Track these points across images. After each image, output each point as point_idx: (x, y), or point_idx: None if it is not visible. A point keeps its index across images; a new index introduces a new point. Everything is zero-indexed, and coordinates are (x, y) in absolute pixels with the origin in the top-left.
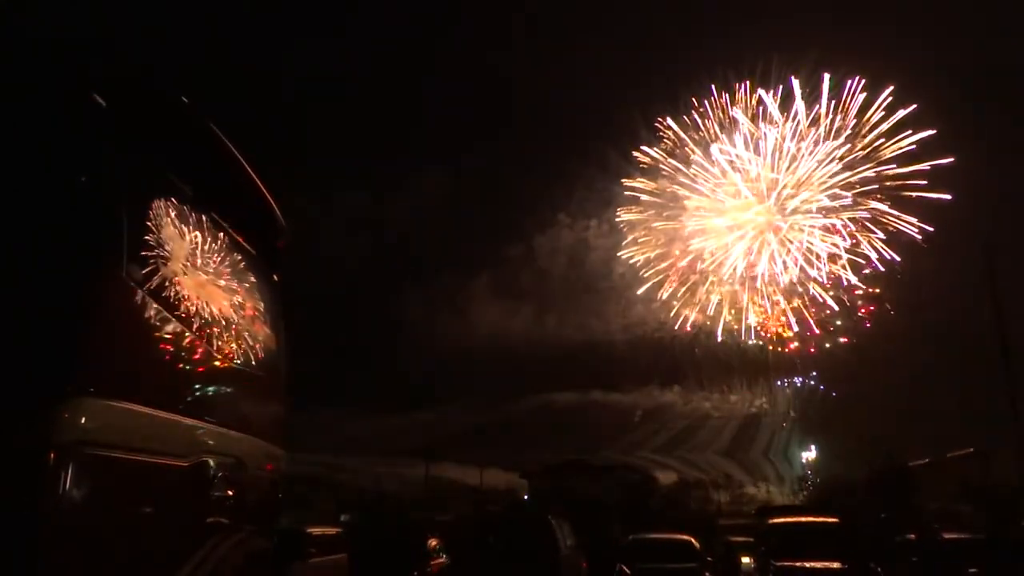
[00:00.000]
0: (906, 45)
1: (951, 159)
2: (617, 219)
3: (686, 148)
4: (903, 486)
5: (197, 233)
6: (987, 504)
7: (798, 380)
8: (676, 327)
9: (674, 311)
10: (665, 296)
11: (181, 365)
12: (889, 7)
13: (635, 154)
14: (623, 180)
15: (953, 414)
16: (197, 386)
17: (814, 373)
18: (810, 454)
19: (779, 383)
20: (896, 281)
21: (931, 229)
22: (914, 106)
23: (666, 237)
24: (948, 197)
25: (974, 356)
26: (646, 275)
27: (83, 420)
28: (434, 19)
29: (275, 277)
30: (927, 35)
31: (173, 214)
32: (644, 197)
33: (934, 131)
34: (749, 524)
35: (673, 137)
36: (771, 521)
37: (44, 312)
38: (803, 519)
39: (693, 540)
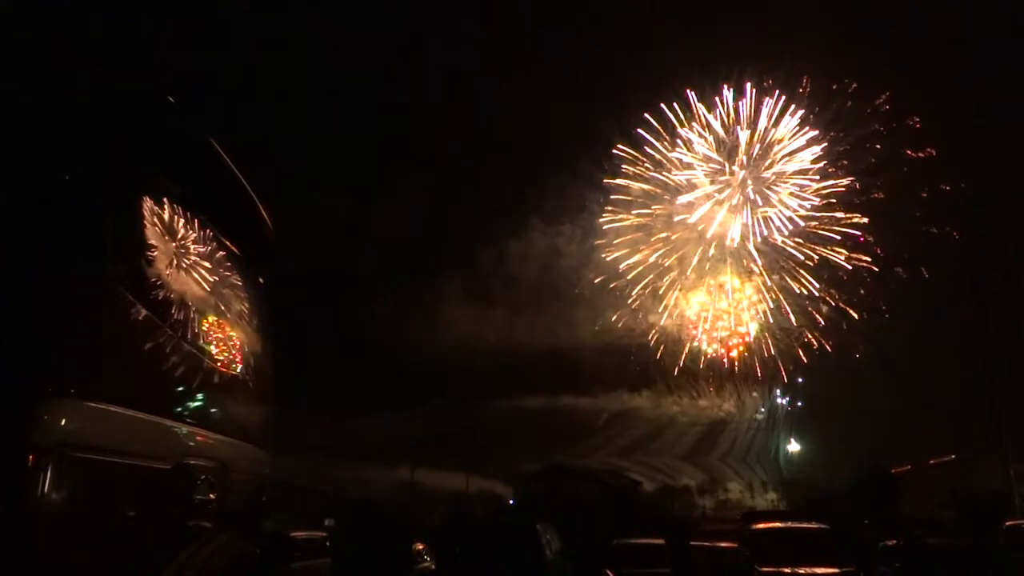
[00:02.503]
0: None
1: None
2: (592, 224)
3: (655, 154)
4: (886, 492)
5: (183, 235)
6: (969, 510)
7: (780, 394)
8: (643, 333)
9: (641, 316)
10: (634, 303)
11: (164, 367)
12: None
13: (613, 156)
14: (602, 180)
15: (937, 420)
16: (181, 389)
17: (792, 388)
18: (793, 460)
19: (755, 393)
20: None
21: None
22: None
23: (633, 242)
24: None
25: (956, 362)
26: (615, 282)
27: (64, 422)
28: (412, 25)
29: (260, 280)
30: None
31: (159, 215)
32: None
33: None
34: (734, 529)
35: (643, 143)
36: (755, 526)
37: (25, 312)
38: (788, 525)
39: (664, 543)
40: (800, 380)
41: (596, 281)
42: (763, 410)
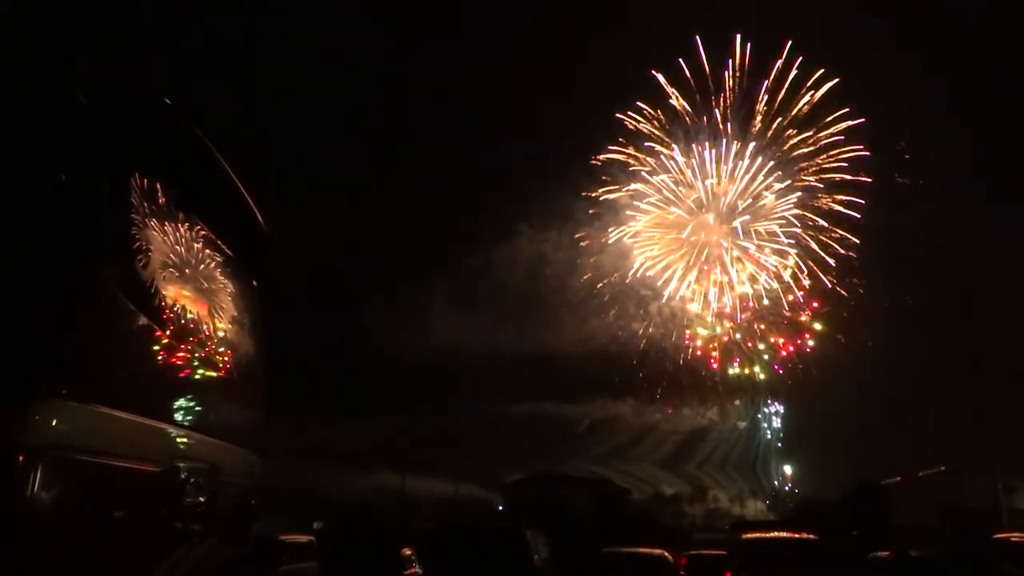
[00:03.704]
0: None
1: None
2: (576, 235)
3: (640, 159)
4: (876, 504)
5: (177, 236)
6: (959, 522)
7: (771, 404)
8: (627, 341)
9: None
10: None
11: (157, 369)
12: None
13: (594, 165)
14: (584, 193)
15: (927, 433)
16: (172, 390)
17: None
18: (785, 471)
19: (736, 402)
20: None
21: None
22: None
23: (618, 252)
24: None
25: (947, 377)
26: (599, 291)
27: (54, 423)
28: (406, 31)
29: (254, 282)
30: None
31: (153, 216)
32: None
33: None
34: (723, 539)
35: (628, 150)
36: (745, 536)
37: (16, 312)
38: (777, 535)
39: (667, 553)
40: (771, 403)
41: (579, 294)
42: (744, 422)
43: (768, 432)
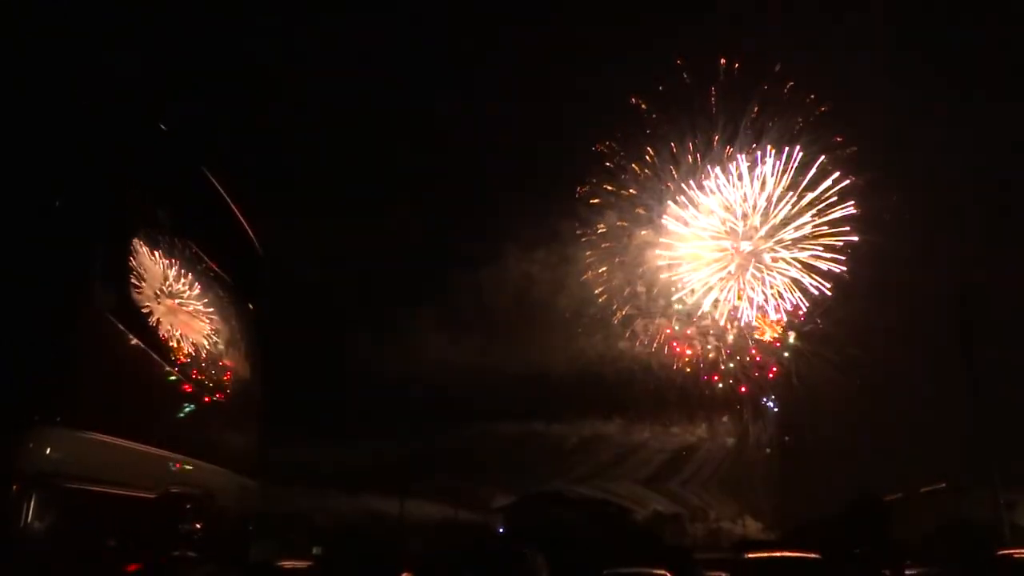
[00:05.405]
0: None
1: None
2: (565, 252)
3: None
4: (877, 521)
5: (174, 261)
6: (960, 538)
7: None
8: (614, 360)
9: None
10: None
11: (153, 395)
12: None
13: (586, 187)
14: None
15: (927, 448)
16: (169, 416)
17: (771, 403)
18: (783, 488)
19: (724, 419)
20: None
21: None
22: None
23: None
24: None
25: (949, 389)
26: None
27: (49, 451)
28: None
29: (250, 306)
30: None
31: (150, 242)
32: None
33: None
34: (725, 558)
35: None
36: (748, 555)
37: (13, 341)
38: (780, 554)
39: (668, 574)
40: (771, 403)
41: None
42: (734, 439)
43: (763, 449)
